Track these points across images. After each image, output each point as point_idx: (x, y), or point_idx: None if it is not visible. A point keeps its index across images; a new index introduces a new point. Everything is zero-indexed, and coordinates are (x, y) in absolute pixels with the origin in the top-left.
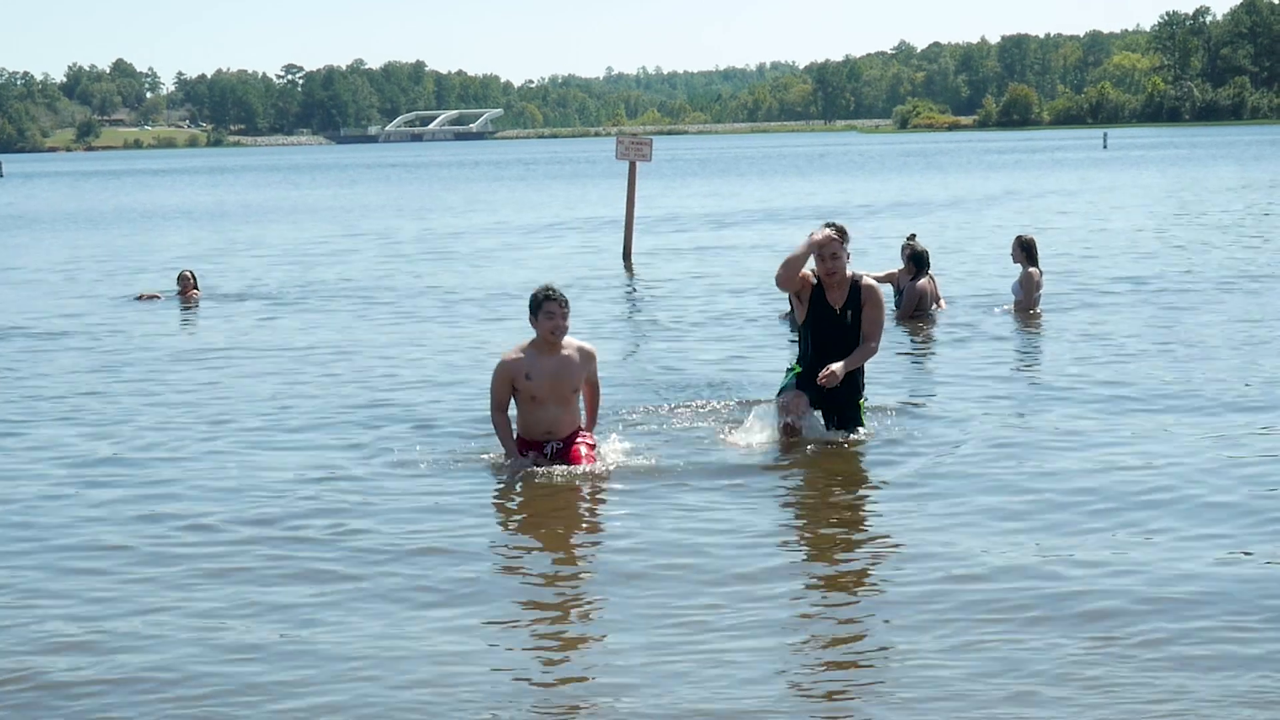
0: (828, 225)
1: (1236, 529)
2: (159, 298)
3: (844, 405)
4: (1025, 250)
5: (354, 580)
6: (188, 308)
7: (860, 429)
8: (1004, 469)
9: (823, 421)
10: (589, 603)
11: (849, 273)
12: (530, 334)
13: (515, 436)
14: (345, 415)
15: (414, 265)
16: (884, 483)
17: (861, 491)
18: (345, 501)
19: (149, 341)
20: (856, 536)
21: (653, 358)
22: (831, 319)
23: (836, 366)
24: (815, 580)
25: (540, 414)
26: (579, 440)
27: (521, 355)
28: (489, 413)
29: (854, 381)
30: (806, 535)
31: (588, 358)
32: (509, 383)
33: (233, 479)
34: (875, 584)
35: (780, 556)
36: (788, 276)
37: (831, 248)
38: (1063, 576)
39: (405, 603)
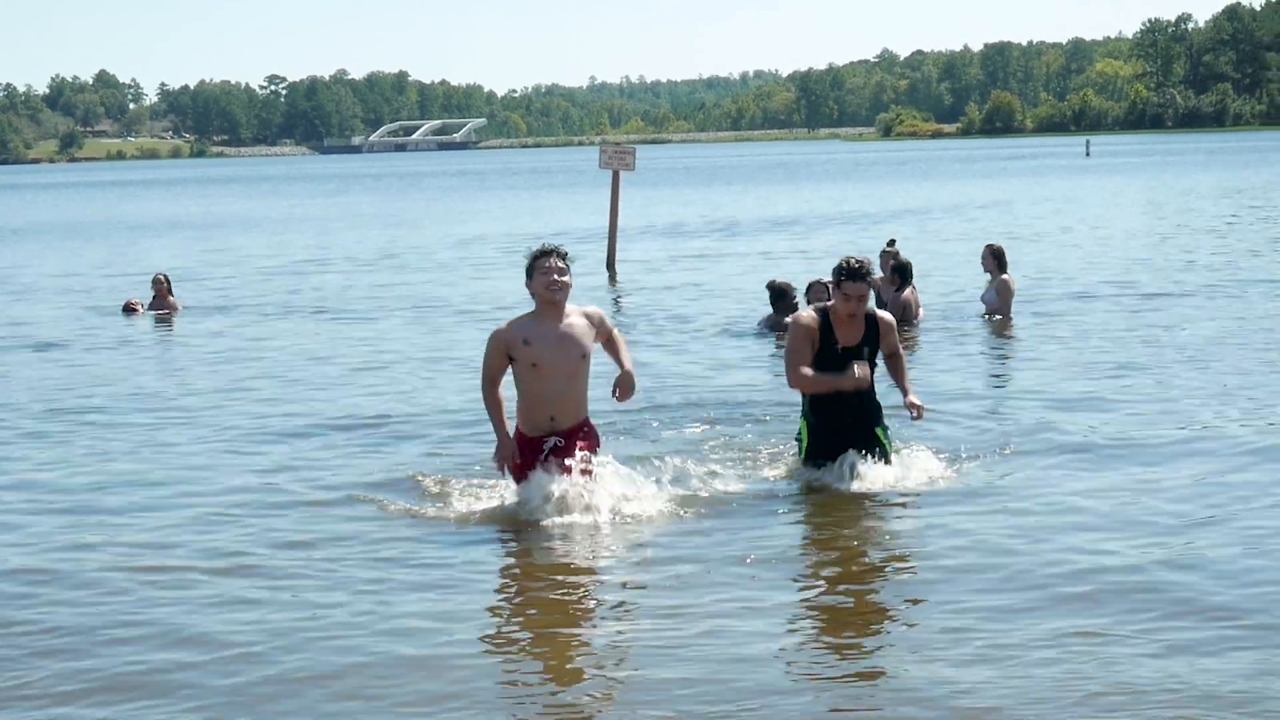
0: (853, 262)
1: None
2: (141, 309)
3: (864, 440)
4: (996, 258)
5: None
6: (163, 320)
7: (882, 459)
8: (1008, 520)
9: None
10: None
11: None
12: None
13: (515, 432)
14: (315, 437)
15: (388, 276)
16: (886, 537)
17: (863, 548)
18: (300, 547)
19: (113, 358)
20: (854, 606)
21: (636, 369)
22: (842, 358)
23: (917, 400)
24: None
25: (544, 389)
26: (580, 443)
27: (518, 324)
28: (475, 419)
29: (871, 409)
30: (798, 603)
31: (595, 319)
32: (504, 354)
33: (183, 505)
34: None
35: (790, 631)
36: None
37: (859, 290)
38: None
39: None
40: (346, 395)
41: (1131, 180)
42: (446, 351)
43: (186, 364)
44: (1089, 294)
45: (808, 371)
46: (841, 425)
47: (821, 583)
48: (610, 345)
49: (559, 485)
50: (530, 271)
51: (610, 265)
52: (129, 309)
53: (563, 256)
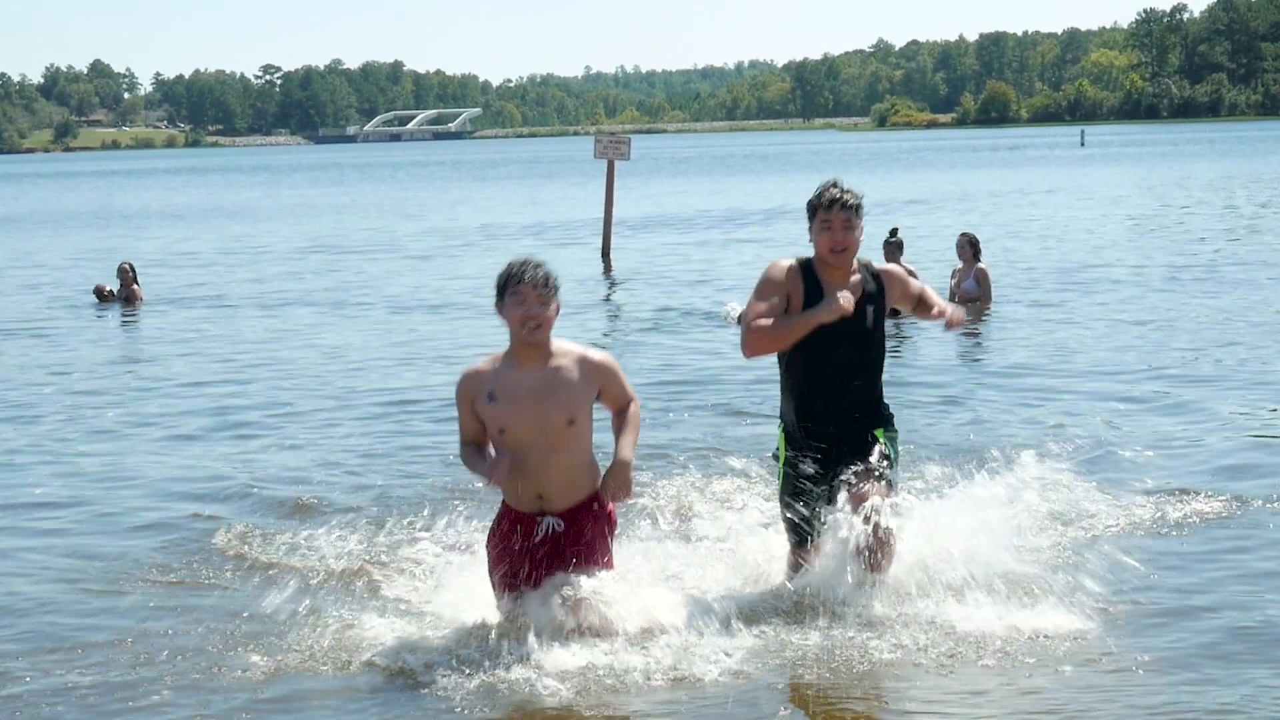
0: (832, 187)
1: None
2: (112, 297)
3: (862, 439)
4: (973, 246)
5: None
6: (129, 312)
7: (883, 461)
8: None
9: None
10: None
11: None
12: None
13: (501, 505)
14: (255, 439)
15: (374, 266)
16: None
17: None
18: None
19: (67, 350)
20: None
21: (633, 359)
22: (837, 324)
23: (957, 313)
24: None
25: (520, 463)
26: (591, 527)
27: (490, 366)
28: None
29: (871, 401)
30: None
31: (596, 373)
32: (471, 411)
33: (111, 514)
34: None
35: None
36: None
37: (843, 216)
38: None
39: None
40: (293, 393)
41: (1127, 170)
42: (426, 346)
43: (134, 356)
44: (1091, 280)
45: (764, 322)
46: (830, 413)
47: None
48: (617, 417)
49: (550, 616)
50: (500, 293)
51: (605, 255)
52: (100, 293)
53: (542, 282)
